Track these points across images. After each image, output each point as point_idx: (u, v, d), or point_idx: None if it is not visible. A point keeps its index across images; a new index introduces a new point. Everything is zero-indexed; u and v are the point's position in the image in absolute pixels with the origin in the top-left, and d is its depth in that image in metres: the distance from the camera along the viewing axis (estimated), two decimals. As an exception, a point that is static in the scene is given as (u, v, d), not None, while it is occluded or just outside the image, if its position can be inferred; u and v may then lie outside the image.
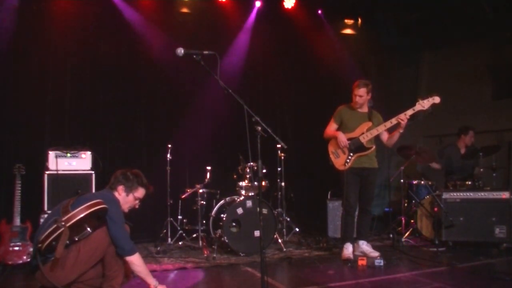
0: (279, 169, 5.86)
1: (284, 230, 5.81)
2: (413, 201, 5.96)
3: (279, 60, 7.32)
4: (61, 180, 4.87)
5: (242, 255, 4.90)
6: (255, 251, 4.87)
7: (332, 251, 5.19)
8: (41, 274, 2.75)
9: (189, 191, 5.60)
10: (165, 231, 5.57)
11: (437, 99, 4.58)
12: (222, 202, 5.46)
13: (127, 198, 3.16)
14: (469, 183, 5.67)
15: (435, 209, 5.42)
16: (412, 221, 5.93)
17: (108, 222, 2.87)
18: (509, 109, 6.76)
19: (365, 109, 4.93)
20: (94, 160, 5.15)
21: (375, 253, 4.78)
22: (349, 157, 4.80)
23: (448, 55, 7.64)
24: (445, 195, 5.41)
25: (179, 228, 5.57)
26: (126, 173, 3.18)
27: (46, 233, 2.68)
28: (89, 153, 5.10)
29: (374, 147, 4.87)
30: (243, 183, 5.37)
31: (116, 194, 3.13)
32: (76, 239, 2.79)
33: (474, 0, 6.19)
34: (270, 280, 3.69)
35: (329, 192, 6.22)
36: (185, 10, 6.69)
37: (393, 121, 4.69)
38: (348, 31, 7.75)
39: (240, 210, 4.99)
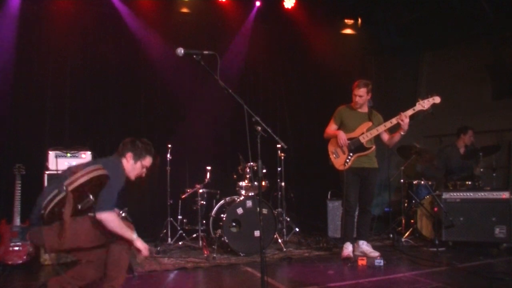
0: (279, 169, 5.86)
1: (284, 230, 5.81)
2: (413, 201, 5.95)
3: (279, 60, 7.32)
4: (61, 180, 4.86)
5: (242, 255, 4.90)
6: (255, 251, 4.87)
7: (332, 251, 5.20)
8: (38, 230, 2.72)
9: (189, 191, 5.60)
10: (165, 231, 5.57)
11: (437, 99, 4.59)
12: (222, 202, 5.47)
13: (135, 165, 3.15)
14: (469, 183, 5.67)
15: (435, 209, 5.43)
16: (412, 221, 5.93)
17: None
18: (509, 109, 6.75)
19: (365, 109, 4.93)
20: (94, 160, 5.15)
21: (375, 253, 4.78)
22: (349, 157, 4.80)
23: (448, 55, 7.64)
24: (445, 195, 5.41)
25: (179, 228, 5.57)
26: (135, 141, 3.18)
27: (49, 198, 2.67)
28: (89, 153, 5.08)
29: (374, 147, 4.87)
30: (243, 183, 5.37)
31: (124, 161, 3.12)
32: (79, 207, 2.76)
33: (474, 0, 6.18)
34: (270, 280, 3.69)
35: (329, 192, 6.24)
36: (185, 10, 6.69)
37: (393, 121, 4.69)
38: (348, 31, 7.74)
39: (240, 210, 4.99)
